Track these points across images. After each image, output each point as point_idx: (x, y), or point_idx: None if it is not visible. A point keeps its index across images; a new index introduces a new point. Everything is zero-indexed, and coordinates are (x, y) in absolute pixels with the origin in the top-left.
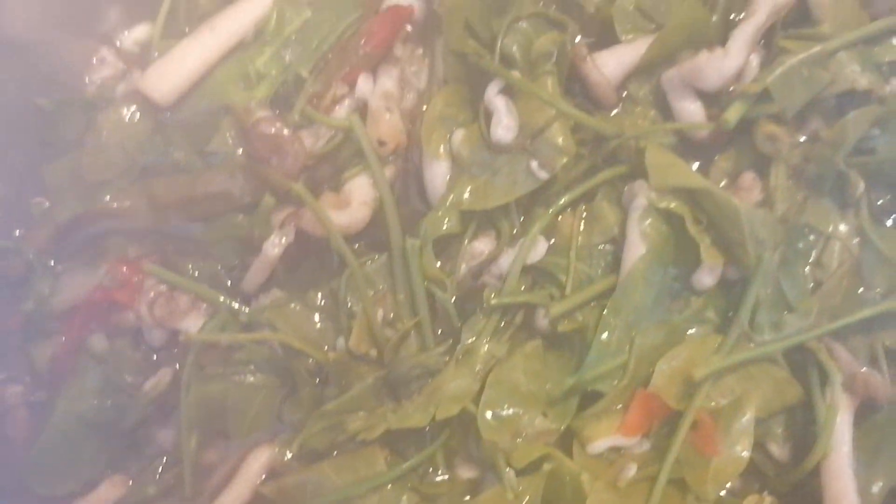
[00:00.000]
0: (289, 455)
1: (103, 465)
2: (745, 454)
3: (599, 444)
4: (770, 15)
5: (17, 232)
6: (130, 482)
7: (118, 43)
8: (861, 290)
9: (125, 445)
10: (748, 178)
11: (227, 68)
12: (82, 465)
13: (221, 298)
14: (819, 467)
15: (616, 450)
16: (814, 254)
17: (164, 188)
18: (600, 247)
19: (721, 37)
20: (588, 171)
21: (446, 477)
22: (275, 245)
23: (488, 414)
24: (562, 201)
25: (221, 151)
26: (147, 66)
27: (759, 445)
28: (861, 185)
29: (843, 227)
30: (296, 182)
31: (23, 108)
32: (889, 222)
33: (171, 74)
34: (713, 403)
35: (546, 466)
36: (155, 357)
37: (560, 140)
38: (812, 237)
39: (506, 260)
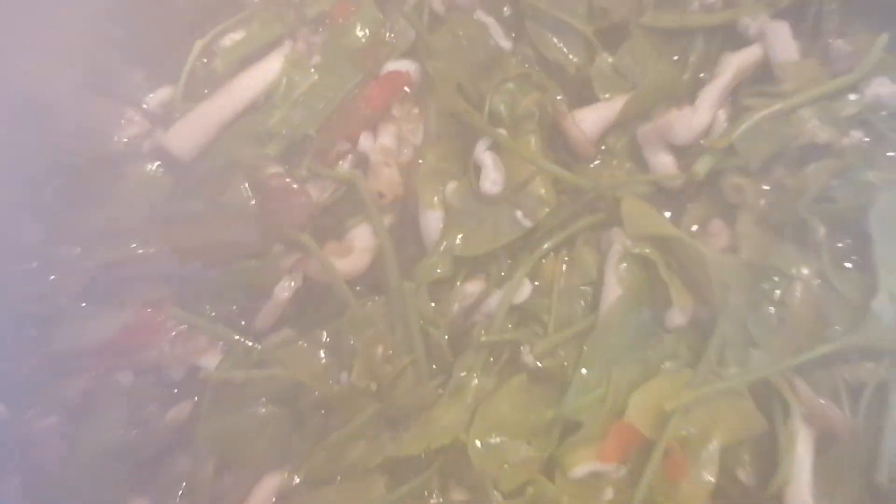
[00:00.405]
0: (296, 481)
1: (127, 490)
2: (711, 479)
3: (579, 470)
4: (736, 75)
5: (52, 277)
6: None
7: (144, 104)
8: (822, 327)
9: (147, 472)
10: (717, 224)
11: (242, 127)
12: (108, 490)
13: (236, 337)
14: (782, 494)
15: (595, 475)
16: (778, 294)
17: (185, 235)
18: (581, 288)
19: (691, 95)
20: (569, 218)
21: (440, 501)
22: (284, 289)
23: (478, 443)
24: (545, 246)
25: (236, 202)
26: (170, 125)
27: (727, 471)
28: (822, 231)
29: (805, 270)
30: (303, 232)
31: (55, 165)
32: (848, 265)
33: (191, 133)
34: (683, 433)
35: (530, 490)
36: (175, 391)
37: (542, 192)
38: (776, 278)
39: (494, 301)
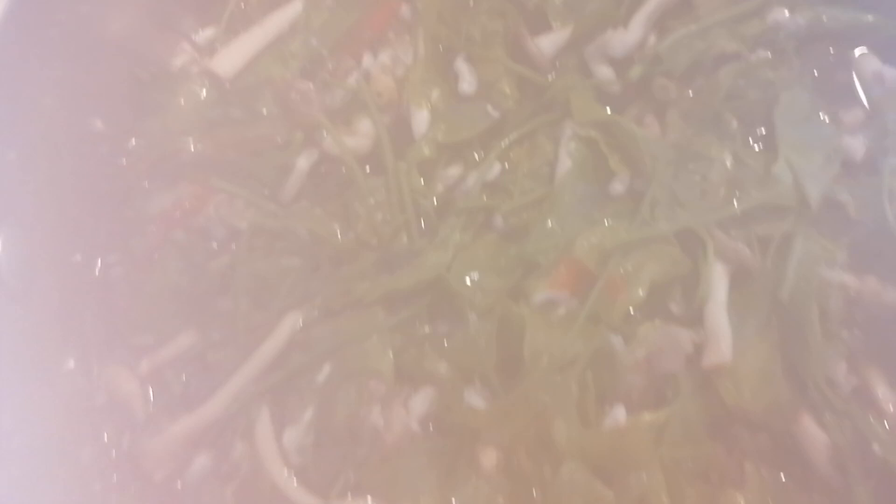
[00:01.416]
0: (315, 314)
1: (180, 323)
2: (643, 293)
3: (538, 297)
4: (659, 3)
5: (122, 161)
6: (199, 335)
7: (194, 38)
8: (737, 193)
9: (196, 310)
10: (649, 119)
11: (271, 52)
12: (165, 322)
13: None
14: (703, 314)
15: (550, 302)
16: (700, 171)
17: (226, 134)
18: (540, 168)
19: (626, 20)
20: (529, 115)
21: (427, 328)
22: (304, 160)
23: (456, 276)
24: (511, 136)
25: (265, 108)
26: (214, 53)
27: (661, 305)
28: (734, 122)
29: (722, 153)
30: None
31: (125, 78)
32: (756, 147)
33: (231, 58)
34: (621, 270)
35: (498, 310)
36: (216, 246)
37: (507, 90)
38: (700, 161)
39: (471, 179)
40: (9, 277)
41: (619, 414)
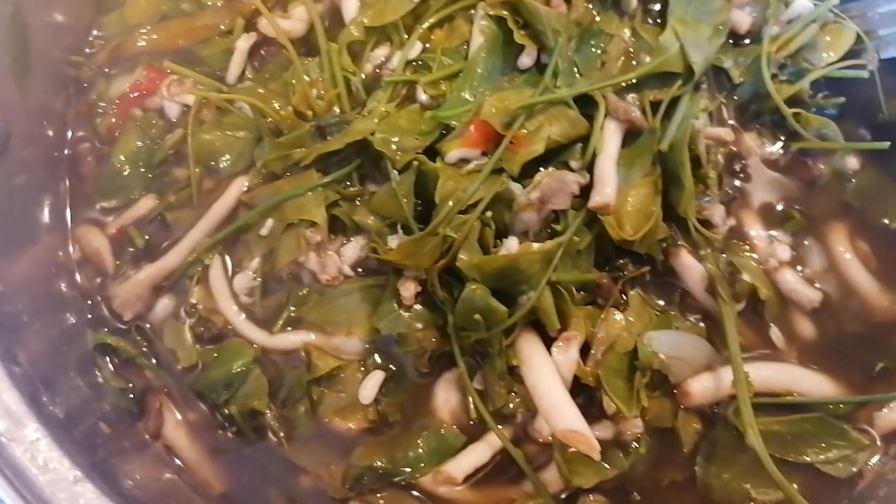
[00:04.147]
0: (258, 180)
1: (141, 189)
2: (542, 147)
3: (453, 155)
4: None
5: (87, 50)
6: (158, 199)
7: None
8: (633, 63)
9: (155, 177)
10: (555, 1)
11: None
12: (128, 189)
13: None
14: (594, 163)
15: (465, 161)
16: (600, 45)
17: (176, 25)
18: (458, 47)
19: None
20: (448, 2)
21: (359, 187)
22: (244, 41)
23: (380, 137)
24: (431, 20)
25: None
26: None
27: (563, 164)
28: (634, 1)
29: (623, 29)
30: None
31: None
32: (651, 23)
33: None
34: (524, 130)
35: (416, 164)
36: (175, 120)
37: None
38: (602, 36)
39: (396, 58)
40: None
41: (512, 244)
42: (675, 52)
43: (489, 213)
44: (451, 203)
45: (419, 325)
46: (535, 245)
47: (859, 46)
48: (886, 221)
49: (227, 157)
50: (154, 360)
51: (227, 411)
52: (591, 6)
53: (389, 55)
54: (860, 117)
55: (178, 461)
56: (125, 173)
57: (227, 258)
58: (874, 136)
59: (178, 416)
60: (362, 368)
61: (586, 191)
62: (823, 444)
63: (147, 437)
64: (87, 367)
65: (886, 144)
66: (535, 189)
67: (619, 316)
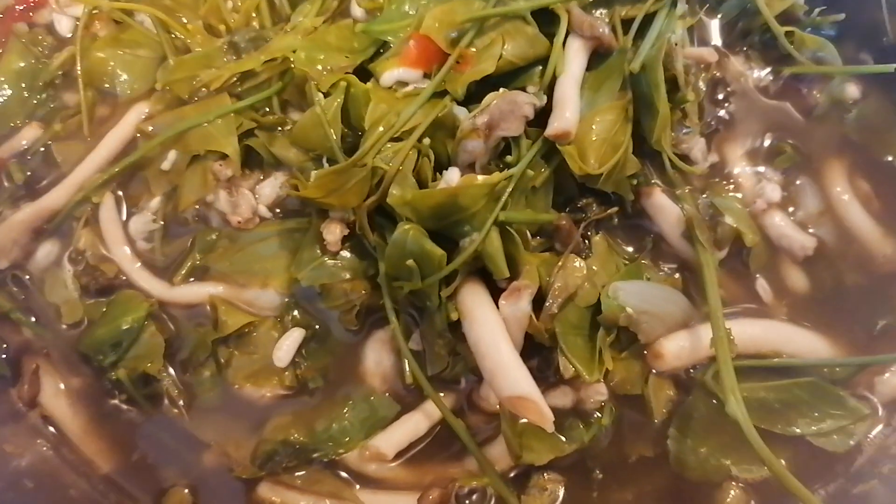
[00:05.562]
0: (160, 106)
1: (23, 116)
2: (492, 65)
3: (389, 76)
4: None
5: None
6: (42, 128)
7: None
8: None
9: (40, 102)
10: None
11: None
12: (8, 116)
13: None
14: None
15: (402, 83)
16: None
17: None
18: None
19: None
20: None
21: (280, 115)
22: None
23: (303, 55)
24: None
25: None
26: None
27: (519, 90)
28: None
29: None
30: None
31: None
32: None
33: None
34: (473, 49)
35: (343, 85)
36: (68, 36)
37: None
38: None
39: None
40: None
41: (452, 176)
42: None
43: (427, 142)
44: (381, 129)
45: (346, 275)
46: (480, 177)
47: None
48: (890, 158)
49: (125, 78)
50: (32, 317)
51: (114, 376)
52: None
53: None
54: (861, 39)
55: (57, 434)
56: (5, 98)
57: (122, 197)
58: (877, 61)
59: (59, 383)
60: (279, 326)
61: (545, 117)
62: (817, 414)
63: (20, 405)
64: None
65: (892, 67)
66: (483, 112)
67: (580, 263)
